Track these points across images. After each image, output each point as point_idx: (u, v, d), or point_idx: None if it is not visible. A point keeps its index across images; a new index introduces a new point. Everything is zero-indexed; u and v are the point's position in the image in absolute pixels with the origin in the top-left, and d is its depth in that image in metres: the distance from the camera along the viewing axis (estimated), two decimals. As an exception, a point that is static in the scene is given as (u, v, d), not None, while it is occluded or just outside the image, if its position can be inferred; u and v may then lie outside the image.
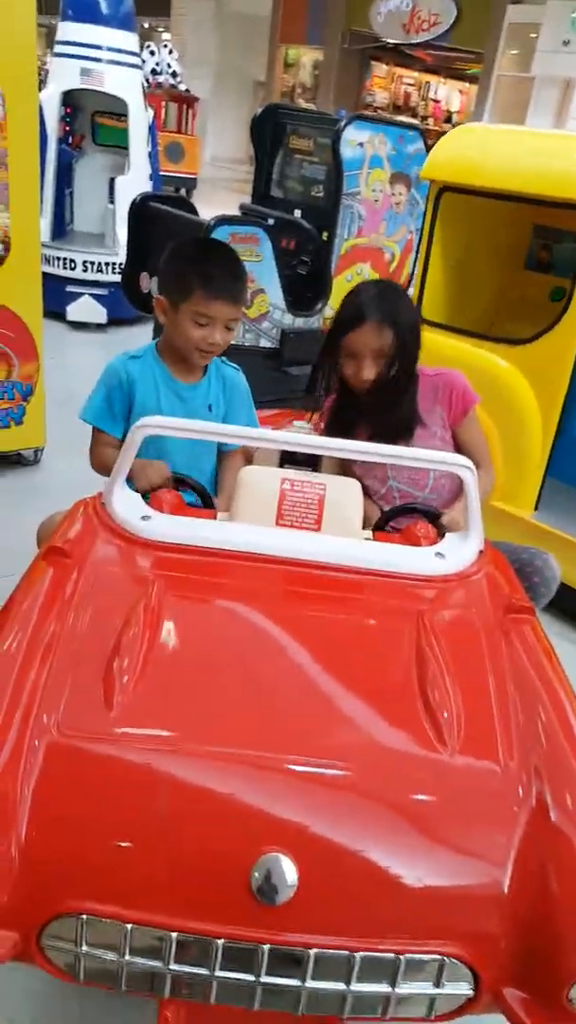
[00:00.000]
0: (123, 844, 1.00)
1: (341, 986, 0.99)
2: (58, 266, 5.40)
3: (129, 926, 0.97)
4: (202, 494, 1.75)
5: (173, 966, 0.98)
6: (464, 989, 1.02)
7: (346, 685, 1.26)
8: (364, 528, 1.68)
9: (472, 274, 3.45)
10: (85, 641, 1.22)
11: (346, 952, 0.98)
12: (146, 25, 20.69)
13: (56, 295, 5.23)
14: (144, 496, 1.60)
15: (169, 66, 12.95)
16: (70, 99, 5.56)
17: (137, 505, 1.54)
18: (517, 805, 1.08)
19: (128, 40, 5.47)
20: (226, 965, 0.98)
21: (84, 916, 0.97)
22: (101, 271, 5.46)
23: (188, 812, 1.02)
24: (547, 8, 12.41)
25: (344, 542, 1.53)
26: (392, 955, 0.98)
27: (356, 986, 0.99)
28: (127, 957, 0.98)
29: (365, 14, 15.90)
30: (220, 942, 0.97)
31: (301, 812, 1.03)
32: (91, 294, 5.49)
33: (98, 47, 5.33)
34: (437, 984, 1.01)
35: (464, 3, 14.25)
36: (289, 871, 0.97)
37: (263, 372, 4.19)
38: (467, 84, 18.06)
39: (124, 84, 5.47)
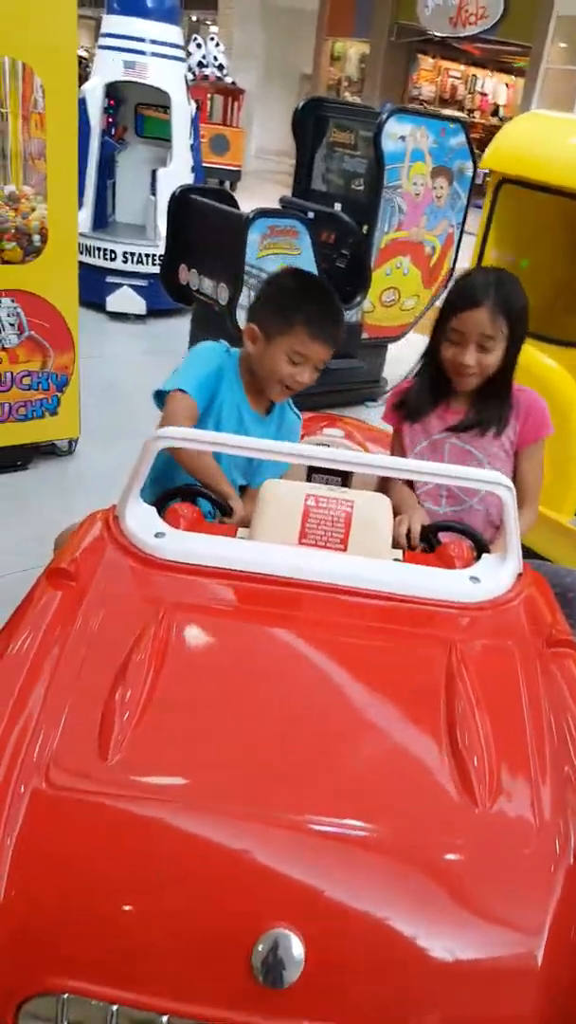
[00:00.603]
0: (112, 912, 0.88)
1: None
2: (99, 256, 5.30)
3: (115, 1007, 0.85)
4: (221, 506, 1.62)
5: None
6: None
7: (366, 730, 1.13)
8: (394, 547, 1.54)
9: (531, 269, 3.25)
10: (85, 673, 1.11)
11: None
12: (194, 18, 20.47)
13: (96, 285, 5.14)
14: (160, 508, 1.48)
15: (216, 59, 12.77)
16: (114, 91, 5.46)
17: (151, 520, 1.42)
18: (554, 864, 0.95)
19: (171, 33, 5.34)
20: None
21: (65, 995, 0.86)
22: (141, 262, 5.35)
23: (184, 878, 0.90)
24: (598, -1, 11.91)
25: (372, 564, 1.39)
26: None
27: None
28: None
29: (412, 8, 15.46)
30: None
31: (311, 880, 0.91)
32: (131, 285, 5.39)
33: (141, 39, 5.20)
34: None
35: (513, -5, 13.76)
36: (296, 948, 0.85)
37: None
38: (514, 77, 17.51)
39: (167, 76, 5.33)
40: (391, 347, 4.59)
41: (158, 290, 4.89)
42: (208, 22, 19.01)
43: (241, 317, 3.77)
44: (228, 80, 12.86)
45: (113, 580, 1.31)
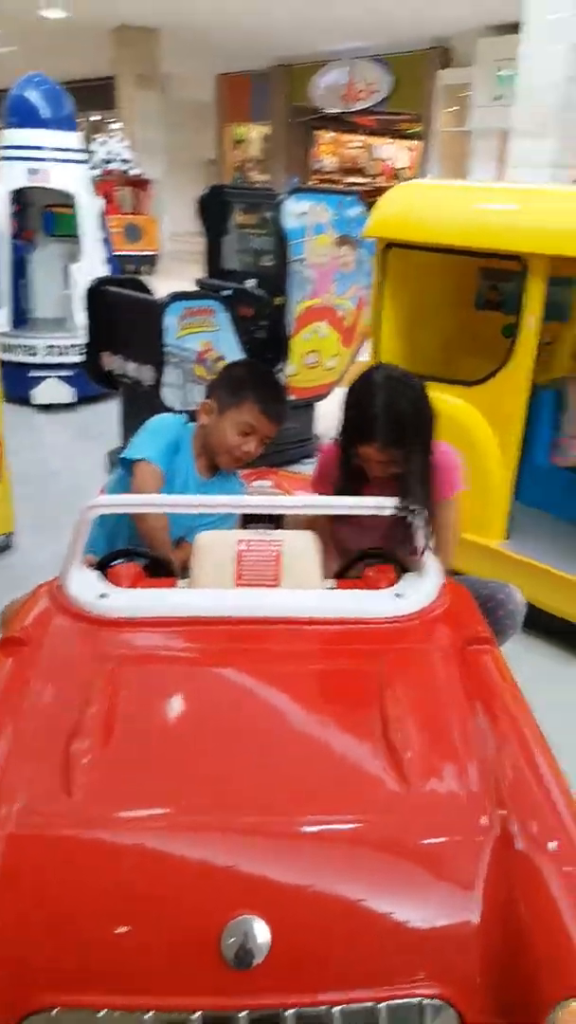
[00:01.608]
0: (90, 930, 1.01)
1: None
2: (20, 353, 5.57)
3: (103, 1013, 0.97)
4: (160, 563, 1.79)
5: None
6: None
7: (309, 738, 1.29)
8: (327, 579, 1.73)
9: (425, 319, 3.59)
10: (42, 729, 1.24)
11: (324, 1007, 0.98)
12: (95, 118, 21.68)
13: (19, 380, 5.38)
14: (102, 570, 1.65)
15: (120, 154, 13.57)
16: (20, 197, 5.83)
17: (94, 584, 1.58)
18: (482, 835, 1.11)
19: (70, 139, 5.81)
20: None
21: (55, 1010, 0.97)
22: (64, 353, 5.63)
23: (152, 889, 1.03)
24: (475, 69, 13.16)
25: (303, 594, 1.58)
26: (371, 1004, 0.99)
27: None
28: None
29: (305, 90, 16.75)
30: (197, 1015, 0.97)
31: (266, 871, 1.05)
32: (57, 376, 5.64)
33: (41, 148, 5.65)
34: None
35: (398, 71, 15.07)
36: (261, 932, 0.99)
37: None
38: (410, 141, 18.92)
39: (70, 178, 5.75)
40: (319, 405, 4.90)
41: (84, 378, 5.15)
42: (110, 120, 20.19)
43: (168, 395, 4.02)
44: (134, 172, 13.63)
45: (63, 642, 1.46)
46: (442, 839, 1.12)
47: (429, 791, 1.16)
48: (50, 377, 5.63)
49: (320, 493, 2.14)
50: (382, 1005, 0.99)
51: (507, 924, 1.04)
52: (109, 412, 5.16)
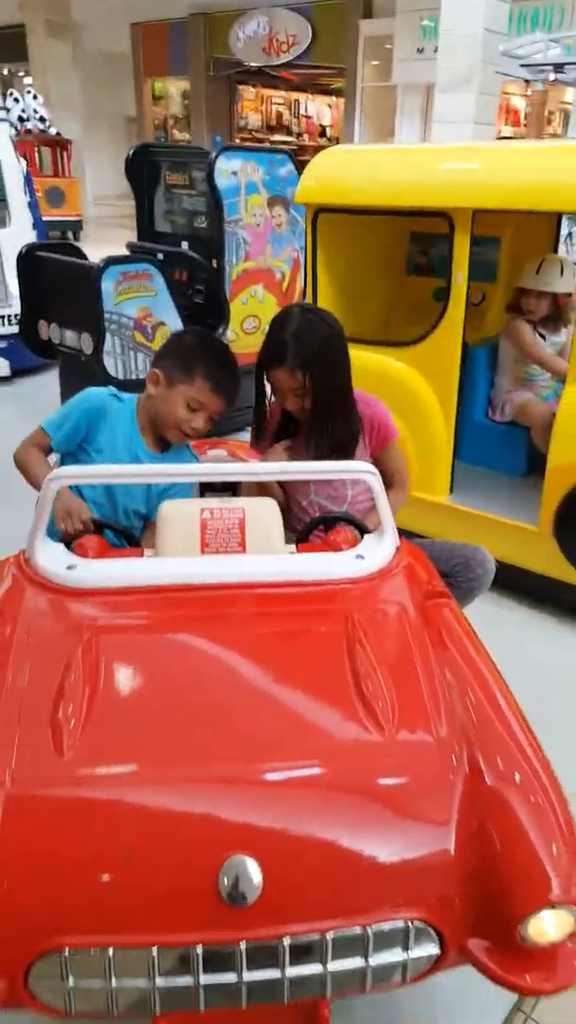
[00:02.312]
0: (93, 876, 1.05)
1: (318, 968, 1.07)
2: (-49, 325, 5.37)
3: (111, 950, 1.02)
4: (125, 534, 1.81)
5: (159, 981, 1.04)
6: (431, 949, 1.11)
7: (284, 692, 1.35)
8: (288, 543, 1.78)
9: (359, 286, 3.61)
10: (26, 696, 1.26)
11: (317, 935, 1.05)
12: (5, 72, 20.63)
13: (-47, 354, 5.19)
14: (68, 544, 1.65)
15: (36, 111, 12.98)
16: None
17: (61, 556, 1.59)
18: (453, 773, 1.19)
19: (-10, 95, 5.51)
20: (208, 969, 1.05)
21: (66, 950, 1.02)
22: (-3, 324, 5.46)
23: (150, 834, 1.08)
24: (397, 20, 12.99)
25: (268, 559, 1.62)
26: (360, 929, 1.07)
27: (332, 965, 1.07)
28: (113, 982, 1.03)
29: (225, 41, 16.29)
30: (199, 948, 1.03)
31: (256, 814, 1.11)
32: (-11, 348, 5.47)
33: (-42, 105, 5.36)
34: (406, 949, 1.09)
35: (319, 22, 14.77)
36: (253, 870, 1.05)
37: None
38: (335, 98, 18.66)
39: (-8, 138, 5.50)
40: (260, 371, 4.90)
41: (20, 349, 5.01)
42: (21, 74, 19.22)
43: (108, 364, 3.96)
44: (52, 131, 13.08)
45: (35, 615, 1.47)
46: (417, 779, 1.19)
47: (402, 736, 1.23)
48: (-17, 349, 5.46)
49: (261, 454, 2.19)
50: (370, 929, 1.07)
51: (481, 851, 1.12)
52: (48, 383, 5.05)
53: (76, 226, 13.29)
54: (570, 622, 3.00)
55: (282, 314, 2.01)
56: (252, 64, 16.22)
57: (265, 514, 1.70)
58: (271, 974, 1.06)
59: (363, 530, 1.80)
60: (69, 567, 1.54)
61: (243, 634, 1.48)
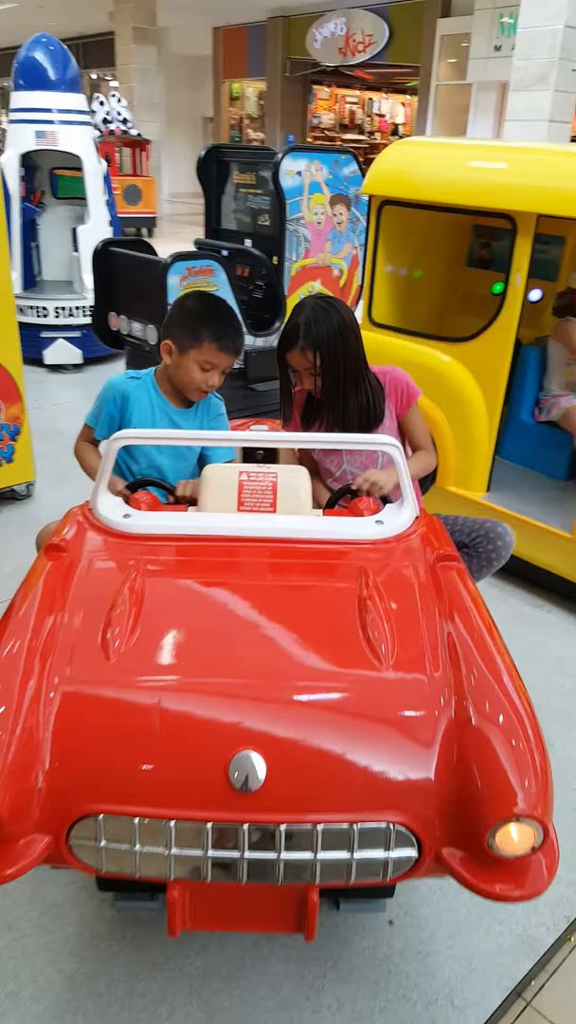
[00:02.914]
0: (126, 757, 1.27)
1: (309, 855, 1.25)
2: (31, 315, 5.72)
3: (136, 820, 1.23)
4: (166, 487, 2.02)
5: (174, 850, 1.24)
6: (410, 852, 1.27)
7: (298, 629, 1.53)
8: (316, 508, 1.96)
9: (423, 277, 3.70)
10: (83, 616, 1.49)
11: (309, 825, 1.24)
12: (94, 76, 21.32)
13: (32, 342, 5.54)
14: (125, 499, 1.88)
15: (119, 114, 13.45)
16: (28, 159, 5.92)
17: (119, 506, 1.82)
18: (439, 710, 1.34)
19: (76, 101, 5.86)
20: (216, 845, 1.24)
21: (101, 816, 1.24)
22: (72, 315, 5.79)
23: (174, 728, 1.29)
24: (475, 18, 12.92)
25: (296, 519, 1.80)
26: (347, 825, 1.24)
27: (321, 854, 1.25)
28: (137, 846, 1.24)
29: (302, 43, 16.48)
30: (209, 825, 1.23)
31: (265, 718, 1.30)
32: (65, 337, 5.80)
33: (49, 110, 5.71)
34: (387, 848, 1.26)
35: (396, 21, 14.80)
36: (259, 764, 1.24)
37: (232, 390, 4.48)
38: (408, 96, 18.63)
39: (77, 141, 5.83)
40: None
41: (92, 339, 5.32)
42: (108, 78, 19.85)
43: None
44: (133, 132, 13.53)
45: (94, 551, 1.70)
46: (407, 707, 1.36)
47: (398, 674, 1.39)
48: (59, 338, 5.80)
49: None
50: (356, 826, 1.24)
51: (460, 778, 1.27)
52: (114, 372, 5.33)
53: (151, 223, 13.74)
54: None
55: (298, 304, 2.19)
56: (328, 64, 16.35)
57: (296, 480, 1.89)
58: (268, 855, 1.25)
59: (385, 499, 1.96)
60: (125, 515, 1.77)
61: (267, 581, 1.67)
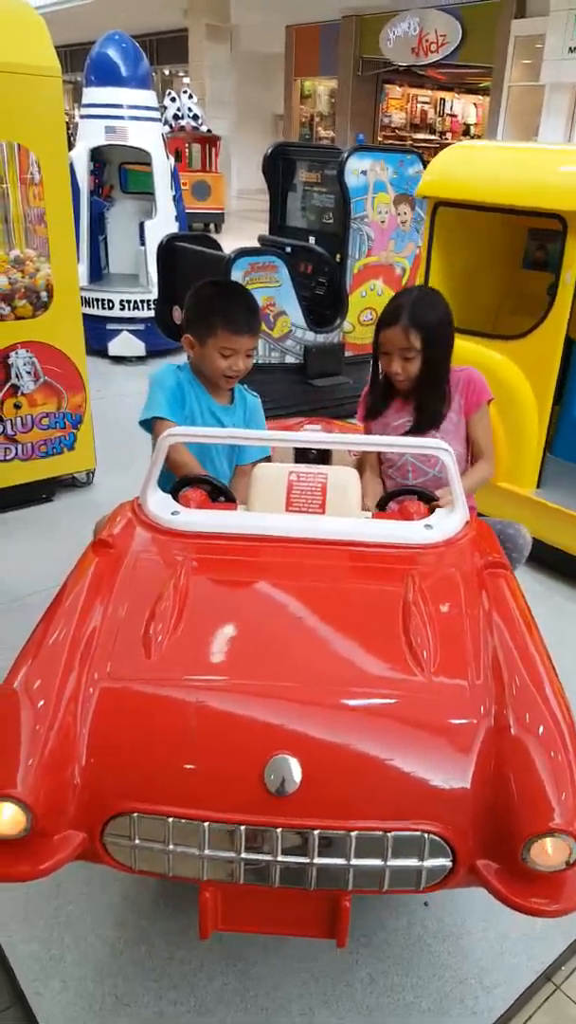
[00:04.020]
0: (162, 757, 1.26)
1: (342, 862, 1.22)
2: (97, 307, 5.80)
3: (170, 820, 1.22)
4: (224, 491, 2.01)
5: (207, 851, 1.23)
6: (444, 862, 1.24)
7: (344, 633, 1.50)
8: (365, 509, 1.93)
9: (473, 277, 3.67)
10: (127, 611, 1.48)
11: (343, 831, 1.21)
12: (167, 72, 21.53)
13: (97, 333, 5.62)
14: (175, 495, 1.87)
15: (190, 110, 13.54)
16: (98, 154, 5.99)
17: (168, 503, 1.81)
18: (478, 718, 1.30)
19: (146, 97, 5.90)
20: (248, 848, 1.22)
21: (135, 815, 1.23)
22: (137, 308, 5.85)
23: (212, 728, 1.27)
24: (551, 18, 12.58)
25: (344, 521, 1.77)
26: (381, 833, 1.21)
27: (354, 861, 1.22)
28: (170, 846, 1.23)
29: (375, 42, 16.31)
30: (243, 828, 1.21)
31: (303, 722, 1.28)
32: (129, 330, 5.87)
33: (119, 106, 5.77)
34: (421, 858, 1.23)
35: (470, 22, 14.52)
36: (295, 768, 1.21)
37: (291, 386, 4.47)
38: (481, 96, 18.27)
39: (146, 136, 5.88)
40: (374, 362, 5.03)
41: (155, 332, 5.37)
42: (181, 74, 20.02)
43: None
44: (204, 129, 13.60)
45: (142, 547, 1.70)
46: (446, 716, 1.32)
47: (439, 682, 1.36)
48: (124, 331, 5.86)
49: (362, 423, 2.38)
50: (390, 835, 1.21)
51: (497, 789, 1.24)
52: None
53: (219, 218, 13.79)
54: None
55: (402, 291, 2.23)
56: (400, 64, 16.15)
57: (346, 482, 1.85)
58: (301, 860, 1.22)
59: (433, 507, 1.92)
60: (173, 512, 1.76)
61: (312, 583, 1.64)
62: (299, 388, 4.44)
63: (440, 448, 1.80)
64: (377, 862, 1.23)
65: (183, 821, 1.22)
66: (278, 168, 5.06)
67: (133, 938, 1.72)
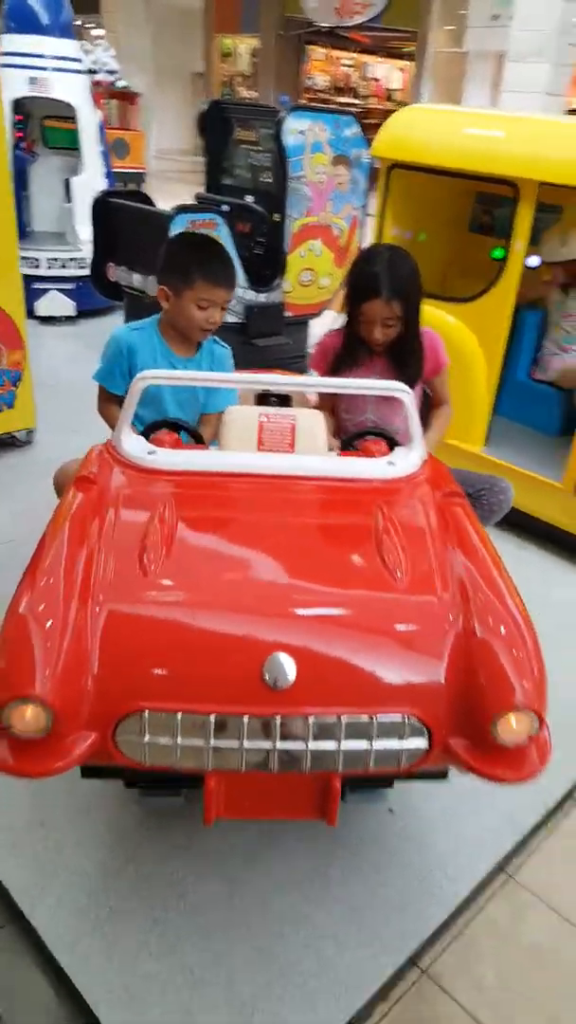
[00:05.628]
0: (168, 660, 1.41)
1: (333, 745, 1.40)
2: (23, 265, 5.68)
3: (179, 715, 1.37)
4: (194, 434, 2.14)
5: (213, 742, 1.38)
6: (421, 743, 1.43)
7: (324, 554, 1.68)
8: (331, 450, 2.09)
9: (427, 241, 3.84)
10: (119, 542, 1.61)
11: (334, 717, 1.38)
12: (77, 22, 20.85)
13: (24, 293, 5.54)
14: (146, 437, 1.99)
15: (106, 64, 13.20)
16: (20, 107, 5.87)
17: (143, 444, 1.93)
18: (448, 624, 1.50)
19: (70, 47, 5.83)
20: (251, 736, 1.38)
21: (146, 712, 1.37)
22: (65, 267, 5.81)
23: (213, 633, 1.43)
24: (475, -16, 12.89)
25: (313, 459, 1.93)
26: (367, 717, 1.39)
27: (344, 744, 1.40)
28: (179, 739, 1.38)
29: (298, 1, 16.26)
30: (246, 718, 1.37)
31: (297, 625, 1.45)
32: (58, 289, 5.82)
33: (42, 56, 5.68)
34: (402, 738, 1.42)
35: (394, -17, 14.68)
36: (290, 665, 1.38)
37: (233, 346, 4.56)
38: (405, 62, 18.51)
39: (71, 89, 5.81)
40: (312, 323, 5.17)
41: (86, 292, 5.36)
42: (91, 26, 19.41)
43: (172, 306, 4.28)
44: (121, 84, 13.31)
45: (123, 485, 1.81)
46: (420, 619, 1.51)
47: (411, 594, 1.55)
48: (52, 290, 5.81)
49: (318, 371, 2.50)
50: (376, 718, 1.40)
51: (467, 680, 1.44)
52: (110, 325, 5.34)
53: (139, 178, 13.55)
54: (580, 566, 3.28)
55: (369, 252, 2.28)
56: (323, 25, 16.17)
57: (313, 423, 2.01)
58: (297, 746, 1.39)
59: (394, 443, 2.10)
60: (150, 452, 1.88)
61: (289, 514, 1.80)
62: (240, 348, 4.54)
63: (400, 390, 1.97)
64: (364, 744, 1.41)
65: (191, 715, 1.37)
66: (214, 126, 5.11)
67: (122, 858, 1.86)
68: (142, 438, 1.97)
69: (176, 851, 1.87)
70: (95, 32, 17.79)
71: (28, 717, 1.29)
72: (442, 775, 1.64)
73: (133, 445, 1.91)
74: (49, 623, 1.40)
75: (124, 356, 2.28)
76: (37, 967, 1.66)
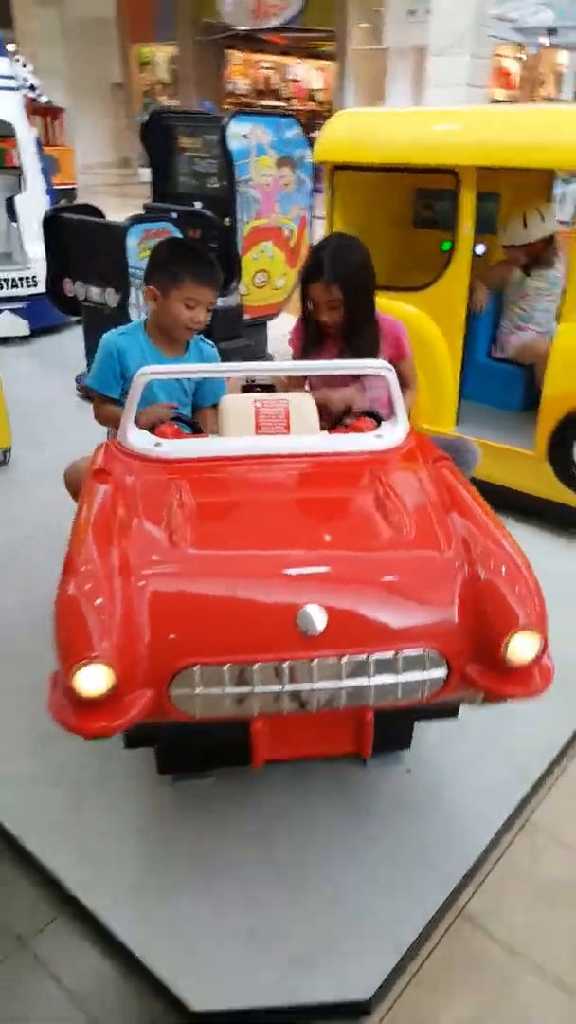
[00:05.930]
0: (212, 621, 1.55)
1: (365, 680, 1.57)
2: (-29, 289, 5.78)
3: (226, 667, 1.52)
4: (193, 426, 2.29)
5: (257, 688, 1.54)
6: (441, 672, 1.61)
7: (336, 520, 1.84)
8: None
9: (372, 237, 4.03)
10: (147, 526, 1.74)
11: (364, 655, 1.56)
12: (-9, 40, 20.74)
13: (-27, 316, 5.61)
14: (149, 431, 2.13)
15: (26, 80, 13.20)
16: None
17: (148, 437, 2.07)
18: (455, 571, 1.67)
19: (3, 64, 5.89)
20: (291, 680, 1.54)
21: (197, 667, 1.52)
22: (16, 286, 5.87)
23: (249, 592, 1.58)
24: (388, -19, 13.28)
25: (309, 438, 2.10)
26: (393, 653, 1.57)
27: (375, 679, 1.57)
28: (227, 689, 1.53)
29: (213, 5, 16.50)
30: (286, 663, 1.53)
31: (323, 579, 1.62)
32: (10, 309, 5.89)
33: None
34: (424, 669, 1.59)
35: (308, -15, 15.02)
36: (318, 614, 1.54)
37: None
38: (325, 62, 18.90)
39: (5, 106, 5.89)
40: (271, 324, 5.35)
41: (40, 309, 5.44)
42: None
43: (132, 315, 4.41)
44: (44, 99, 13.33)
45: (137, 475, 1.95)
46: (430, 568, 1.69)
47: (420, 548, 1.72)
48: (3, 310, 5.87)
49: (295, 349, 2.69)
50: (400, 654, 1.57)
51: (476, 615, 1.61)
52: (66, 341, 5.46)
53: (72, 195, 13.58)
54: (559, 536, 3.49)
55: (322, 240, 2.49)
56: (240, 28, 16.45)
57: (304, 405, 2.18)
58: (333, 684, 1.56)
59: (380, 420, 2.28)
60: (157, 444, 2.03)
61: (296, 487, 1.97)
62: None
63: (380, 367, 2.16)
64: (392, 678, 1.58)
65: (237, 665, 1.53)
66: (157, 135, 5.27)
67: (162, 838, 1.96)
68: (147, 432, 2.11)
69: (213, 829, 1.99)
70: (10, 47, 17.75)
71: (95, 677, 1.43)
72: (453, 712, 1.83)
73: (140, 439, 2.05)
74: (99, 600, 1.53)
75: (115, 359, 2.40)
76: (106, 956, 1.75)
